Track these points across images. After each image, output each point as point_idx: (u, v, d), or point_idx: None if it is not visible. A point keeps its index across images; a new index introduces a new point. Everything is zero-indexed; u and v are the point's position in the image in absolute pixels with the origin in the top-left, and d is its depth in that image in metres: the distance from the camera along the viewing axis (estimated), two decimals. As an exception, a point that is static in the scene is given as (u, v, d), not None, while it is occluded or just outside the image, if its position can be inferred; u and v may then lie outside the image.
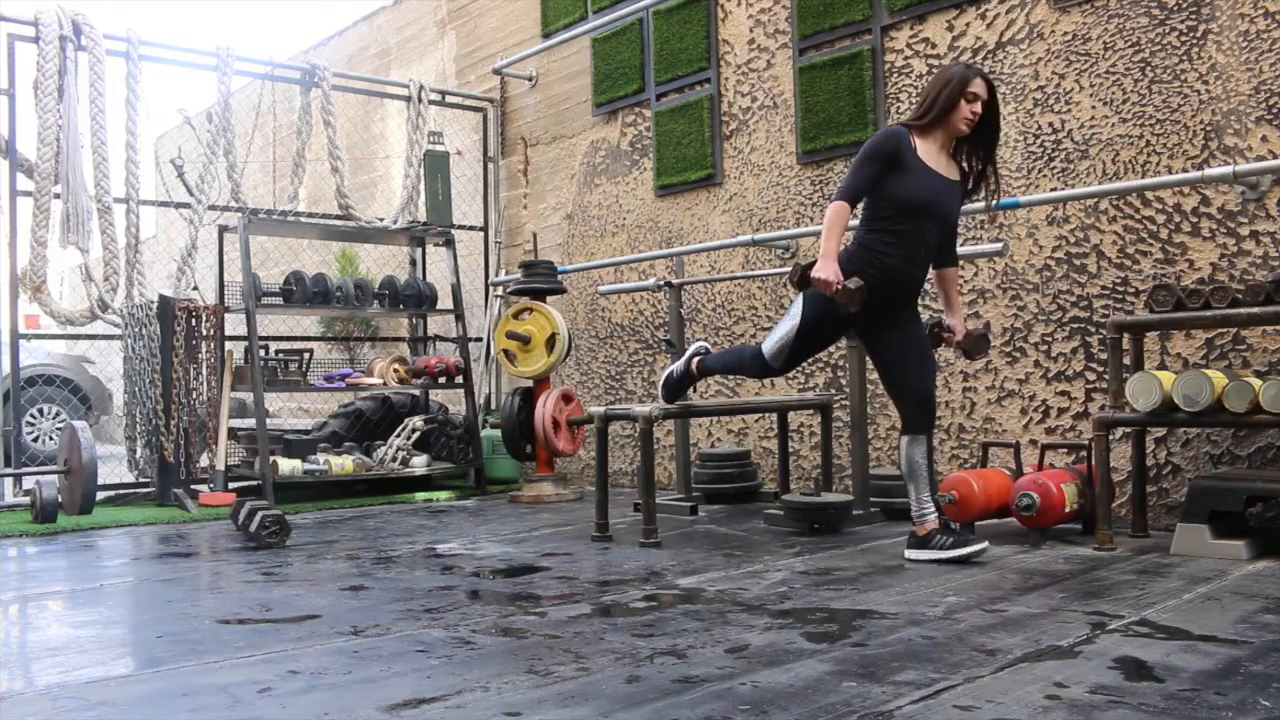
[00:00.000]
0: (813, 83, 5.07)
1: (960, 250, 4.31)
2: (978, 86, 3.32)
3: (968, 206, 4.28)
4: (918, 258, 3.38)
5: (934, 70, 4.61)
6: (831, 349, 4.72)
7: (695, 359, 3.94)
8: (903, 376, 3.42)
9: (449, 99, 7.00)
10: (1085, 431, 4.06)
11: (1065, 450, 4.07)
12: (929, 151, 3.34)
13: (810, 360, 5.08)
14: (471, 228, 6.98)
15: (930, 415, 3.40)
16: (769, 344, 3.57)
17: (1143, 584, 2.91)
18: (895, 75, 4.77)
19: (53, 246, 5.28)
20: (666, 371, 4.02)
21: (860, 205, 3.42)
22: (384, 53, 8.30)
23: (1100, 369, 4.04)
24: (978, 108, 3.33)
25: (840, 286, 3.23)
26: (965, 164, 3.45)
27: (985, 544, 3.27)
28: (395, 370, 5.89)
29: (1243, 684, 1.96)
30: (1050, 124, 4.24)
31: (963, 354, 3.58)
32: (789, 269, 3.39)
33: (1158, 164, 3.94)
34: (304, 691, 2.03)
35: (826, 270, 3.25)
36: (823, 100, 5.02)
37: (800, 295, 3.46)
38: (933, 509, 3.37)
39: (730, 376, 5.42)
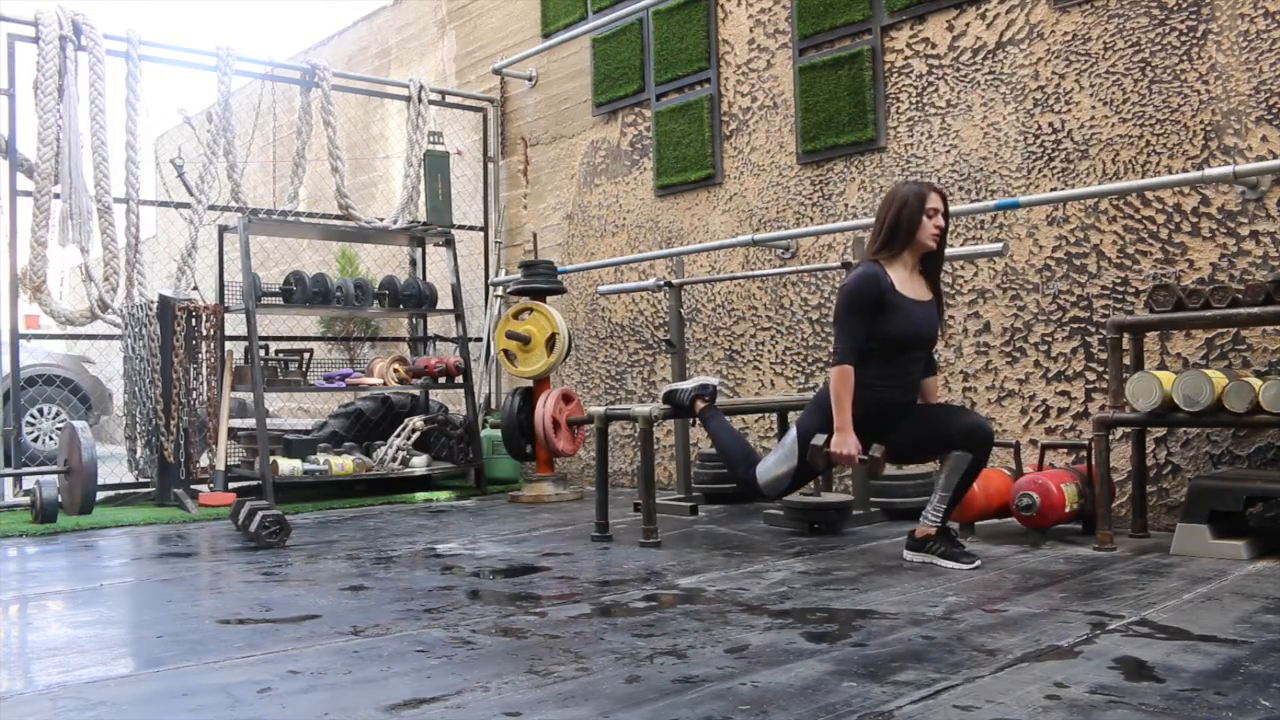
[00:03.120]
0: (813, 83, 5.07)
1: (960, 250, 4.32)
2: (934, 201, 3.33)
3: (969, 206, 4.31)
4: (910, 384, 3.42)
5: (934, 70, 4.61)
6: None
7: (699, 400, 3.91)
8: (941, 433, 3.35)
9: (449, 99, 7.00)
10: (1085, 431, 4.06)
11: (1065, 450, 4.07)
12: (903, 279, 3.34)
13: (810, 361, 5.09)
14: (471, 228, 6.99)
15: (980, 438, 3.28)
16: (765, 475, 3.54)
17: (1143, 584, 2.91)
18: (895, 75, 4.77)
19: (53, 246, 5.28)
20: (671, 387, 4.00)
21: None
22: (384, 53, 8.30)
23: (1100, 369, 4.04)
24: (940, 220, 3.34)
25: (863, 459, 3.26)
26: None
27: (978, 562, 3.25)
28: (395, 370, 5.89)
29: (1243, 684, 1.96)
30: (1050, 124, 4.24)
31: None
32: (811, 448, 3.32)
33: (1158, 164, 3.94)
34: (304, 691, 2.03)
35: (847, 445, 3.26)
36: (823, 100, 5.02)
37: (796, 431, 3.44)
38: (938, 519, 3.35)
39: (729, 380, 5.42)
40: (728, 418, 3.99)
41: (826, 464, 3.37)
